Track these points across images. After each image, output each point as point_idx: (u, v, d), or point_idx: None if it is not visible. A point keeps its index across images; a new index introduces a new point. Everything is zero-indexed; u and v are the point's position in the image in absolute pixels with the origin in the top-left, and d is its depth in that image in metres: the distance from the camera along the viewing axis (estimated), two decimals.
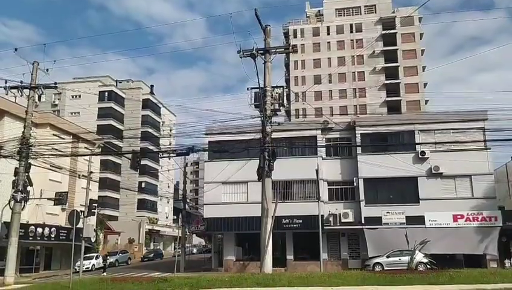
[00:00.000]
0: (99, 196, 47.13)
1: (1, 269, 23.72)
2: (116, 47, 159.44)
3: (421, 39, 73.69)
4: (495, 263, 27.59)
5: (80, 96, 70.05)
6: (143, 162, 53.75)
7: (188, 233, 41.10)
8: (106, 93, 74.53)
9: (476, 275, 16.77)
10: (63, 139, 36.03)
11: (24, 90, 23.95)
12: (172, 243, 73.49)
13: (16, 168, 23.20)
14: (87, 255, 37.68)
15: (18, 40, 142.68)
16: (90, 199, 30.34)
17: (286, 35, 77.14)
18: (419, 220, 29.01)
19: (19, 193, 22.86)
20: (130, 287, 17.22)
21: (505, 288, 14.82)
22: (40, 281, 25.37)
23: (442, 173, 29.46)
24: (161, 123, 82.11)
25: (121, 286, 17.64)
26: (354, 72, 73.39)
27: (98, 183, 41.55)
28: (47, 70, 24.47)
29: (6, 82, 23.34)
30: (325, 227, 29.10)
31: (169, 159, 55.28)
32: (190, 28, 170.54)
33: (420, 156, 29.81)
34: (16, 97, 28.62)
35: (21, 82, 23.88)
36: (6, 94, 25.60)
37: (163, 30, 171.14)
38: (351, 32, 75.02)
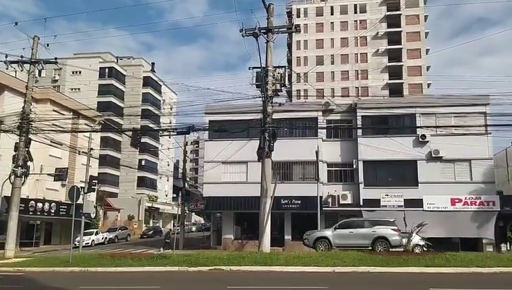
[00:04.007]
0: (99, 173, 47.25)
1: (1, 243, 23.95)
2: (115, 21, 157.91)
3: (425, 21, 72.94)
4: (491, 247, 27.84)
5: (80, 72, 69.77)
6: (143, 140, 53.75)
7: (187, 211, 41.34)
8: (107, 70, 74.17)
9: (472, 259, 16.94)
10: (63, 115, 36.01)
11: (24, 65, 23.85)
12: (172, 221, 74.11)
13: (16, 143, 23.27)
14: (87, 230, 38.00)
15: (17, 12, 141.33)
16: (90, 176, 30.41)
17: (289, 14, 76.34)
18: (418, 203, 29.16)
19: (19, 167, 22.98)
20: (129, 263, 17.44)
21: (500, 272, 15.01)
22: (40, 256, 25.65)
23: (441, 156, 29.49)
24: (162, 101, 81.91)
25: (120, 261, 17.86)
26: (357, 54, 72.87)
27: (98, 160, 41.61)
28: (47, 45, 24.38)
29: (6, 56, 23.26)
30: (323, 208, 29.28)
31: (170, 137, 55.23)
32: (191, 3, 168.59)
33: (420, 140, 29.81)
34: (16, 72, 28.46)
35: (21, 57, 23.77)
36: (7, 68, 25.48)
37: (163, 5, 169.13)
38: (355, 13, 74.22)
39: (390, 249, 21.65)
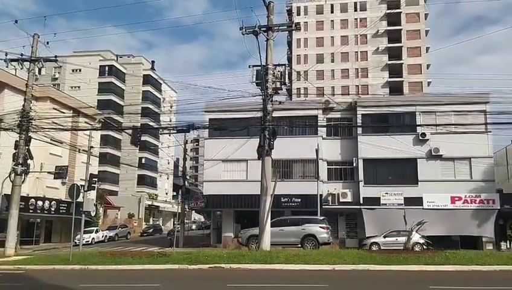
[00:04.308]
0: (99, 171, 47.30)
1: (1, 241, 23.96)
2: (114, 19, 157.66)
3: (425, 19, 72.86)
4: (491, 245, 27.88)
5: (80, 70, 69.73)
6: (143, 138, 53.74)
7: (187, 209, 41.34)
8: (107, 68, 74.09)
9: (472, 257, 16.95)
10: (63, 113, 35.98)
11: (24, 63, 23.82)
12: (172, 219, 74.15)
13: (16, 141, 23.26)
14: (87, 229, 38.03)
15: (17, 10, 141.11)
16: (90, 174, 30.41)
17: (289, 12, 76.27)
18: (418, 201, 29.17)
19: (20, 165, 22.97)
20: (129, 261, 17.45)
21: (500, 270, 15.02)
22: (40, 254, 25.67)
23: (441, 155, 29.50)
24: (162, 99, 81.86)
25: (120, 259, 17.87)
26: (357, 52, 72.80)
27: (98, 158, 41.64)
28: (47, 43, 24.35)
29: (6, 54, 23.23)
30: (323, 206, 29.30)
31: (170, 135, 55.31)
32: (191, 1, 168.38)
33: (420, 138, 29.82)
34: (16, 70, 28.46)
35: (21, 55, 23.75)
36: (7, 67, 25.46)
37: (163, 3, 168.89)
38: (355, 10, 74.12)
39: (319, 246, 22.25)
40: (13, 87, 31.83)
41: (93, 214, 38.42)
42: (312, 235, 23.10)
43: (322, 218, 24.49)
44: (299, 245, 22.63)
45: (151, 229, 54.99)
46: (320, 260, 16.31)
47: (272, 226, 22.71)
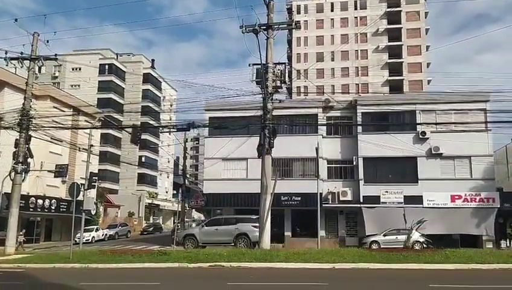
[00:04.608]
0: (99, 169, 47.36)
1: (2, 239, 23.98)
2: (114, 18, 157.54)
3: (425, 18, 72.81)
4: (491, 244, 27.87)
5: (80, 68, 69.63)
6: (143, 136, 53.73)
7: (187, 208, 41.39)
8: (107, 67, 73.97)
9: (472, 255, 16.98)
10: (63, 111, 35.99)
11: (24, 61, 23.82)
12: (172, 218, 74.19)
13: (17, 139, 23.27)
14: (87, 227, 38.06)
15: (16, 8, 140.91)
16: (91, 172, 30.41)
17: (289, 10, 76.17)
18: (417, 199, 29.16)
19: (20, 164, 22.99)
20: (129, 259, 17.48)
21: (500, 268, 15.05)
22: (41, 252, 25.69)
23: (441, 153, 29.49)
24: (162, 98, 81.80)
25: (121, 258, 17.90)
26: (357, 50, 72.72)
27: (98, 157, 41.68)
28: (47, 41, 24.34)
29: (6, 53, 23.24)
30: (323, 205, 29.29)
31: (170, 134, 55.29)
32: None
33: (420, 136, 29.80)
34: (16, 68, 28.43)
35: (21, 53, 23.74)
36: (7, 65, 25.45)
37: (163, 1, 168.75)
38: (355, 9, 74.02)
39: (251, 245, 22.57)
40: (13, 85, 31.83)
41: (93, 212, 38.51)
42: (245, 233, 23.90)
43: (255, 217, 24.68)
44: (232, 244, 23.30)
45: (151, 228, 54.97)
46: (320, 259, 16.34)
47: (207, 225, 23.60)
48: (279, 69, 20.35)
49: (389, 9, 71.68)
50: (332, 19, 74.66)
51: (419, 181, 29.65)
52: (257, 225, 23.37)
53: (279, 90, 21.23)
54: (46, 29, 79.59)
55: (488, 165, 29.44)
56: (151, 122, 68.53)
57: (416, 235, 25.50)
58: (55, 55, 24.61)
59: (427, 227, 26.64)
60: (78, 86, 69.32)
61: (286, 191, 28.83)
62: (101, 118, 42.65)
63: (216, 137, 31.85)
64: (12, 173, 23.17)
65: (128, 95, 74.73)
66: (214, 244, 22.22)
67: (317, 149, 28.37)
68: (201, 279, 13.84)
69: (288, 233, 31.02)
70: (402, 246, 23.09)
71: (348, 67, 72.27)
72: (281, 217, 30.82)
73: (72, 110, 37.64)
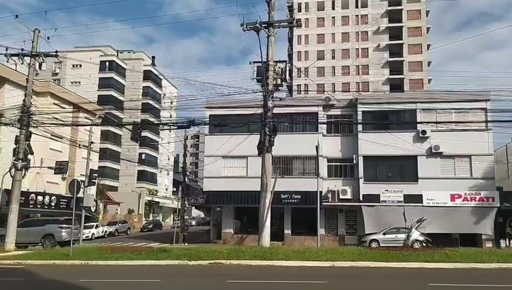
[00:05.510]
0: (99, 166, 47.32)
1: (2, 235, 23.98)
2: (115, 14, 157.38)
3: (427, 16, 72.70)
4: (490, 243, 27.91)
5: (80, 65, 69.62)
6: (143, 134, 53.56)
7: (187, 205, 41.42)
8: (107, 63, 73.97)
9: (471, 254, 16.99)
10: (64, 108, 35.99)
11: (25, 58, 23.78)
12: (172, 215, 74.23)
13: (17, 136, 23.25)
14: (87, 224, 38.07)
15: (17, 4, 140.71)
16: (91, 169, 30.41)
17: (290, 8, 76.01)
18: (417, 198, 29.18)
19: (20, 161, 22.97)
20: (129, 256, 17.49)
21: (499, 267, 15.06)
22: (40, 248, 25.70)
23: (442, 152, 29.49)
24: (162, 95, 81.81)
25: (121, 255, 17.91)
26: (358, 49, 72.64)
27: (98, 154, 41.61)
28: (48, 38, 24.26)
29: (7, 49, 23.17)
30: (323, 203, 29.33)
31: (170, 131, 55.26)
32: None
33: (421, 135, 29.79)
34: (16, 65, 28.39)
35: (22, 49, 23.70)
36: (7, 61, 25.43)
37: None
38: (356, 7, 73.91)
39: (56, 244, 24.55)
40: (14, 82, 31.81)
41: (93, 209, 38.58)
42: (51, 234, 25.52)
43: (63, 219, 26.50)
44: (40, 244, 25.09)
45: (151, 225, 55.06)
46: (319, 257, 16.35)
47: (19, 227, 24.21)
48: (279, 67, 20.33)
49: (390, 8, 71.62)
50: (333, 17, 74.55)
51: (419, 180, 29.66)
52: (63, 225, 25.72)
53: (279, 88, 21.21)
54: (47, 26, 79.71)
55: (488, 164, 29.44)
56: (152, 119, 68.62)
57: (416, 234, 25.51)
58: (56, 51, 24.56)
59: (426, 226, 26.65)
60: (79, 82, 69.35)
61: (286, 189, 28.86)
62: (101, 115, 42.63)
63: (216, 135, 31.86)
64: (13, 170, 23.16)
65: (129, 92, 74.75)
66: (24, 244, 24.13)
67: (317, 147, 28.37)
68: (201, 276, 13.85)
69: (288, 231, 31.06)
70: (402, 244, 23.08)
71: (348, 66, 72.18)
72: (281, 215, 30.87)
73: (72, 106, 37.61)
